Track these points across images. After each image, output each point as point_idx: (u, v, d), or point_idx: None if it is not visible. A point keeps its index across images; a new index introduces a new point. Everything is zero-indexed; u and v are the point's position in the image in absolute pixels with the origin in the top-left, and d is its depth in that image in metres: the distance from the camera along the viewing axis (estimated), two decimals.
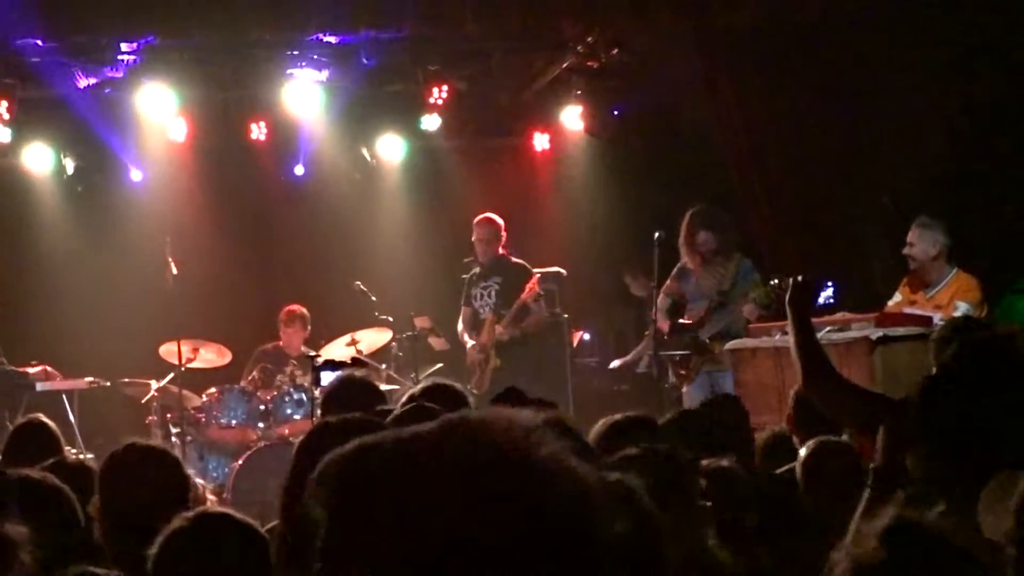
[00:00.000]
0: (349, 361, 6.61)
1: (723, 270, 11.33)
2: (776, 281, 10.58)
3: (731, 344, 10.77)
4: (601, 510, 1.74)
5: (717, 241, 11.33)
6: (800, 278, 6.20)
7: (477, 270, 12.84)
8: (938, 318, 9.44)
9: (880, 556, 2.52)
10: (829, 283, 9.26)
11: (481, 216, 12.91)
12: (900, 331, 9.12)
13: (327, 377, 6.53)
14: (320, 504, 1.76)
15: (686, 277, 11.44)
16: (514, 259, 12.83)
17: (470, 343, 12.78)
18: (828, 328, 9.77)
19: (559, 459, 1.74)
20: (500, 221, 12.84)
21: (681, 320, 11.27)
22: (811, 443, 5.70)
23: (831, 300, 10.06)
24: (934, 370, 5.86)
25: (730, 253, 11.39)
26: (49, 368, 12.42)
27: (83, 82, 13.67)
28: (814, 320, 9.66)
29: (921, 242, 10.04)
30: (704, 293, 11.35)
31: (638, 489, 2.82)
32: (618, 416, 5.09)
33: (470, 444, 1.73)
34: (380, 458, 1.76)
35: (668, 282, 11.62)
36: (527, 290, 12.42)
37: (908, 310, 9.84)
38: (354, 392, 5.92)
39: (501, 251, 12.81)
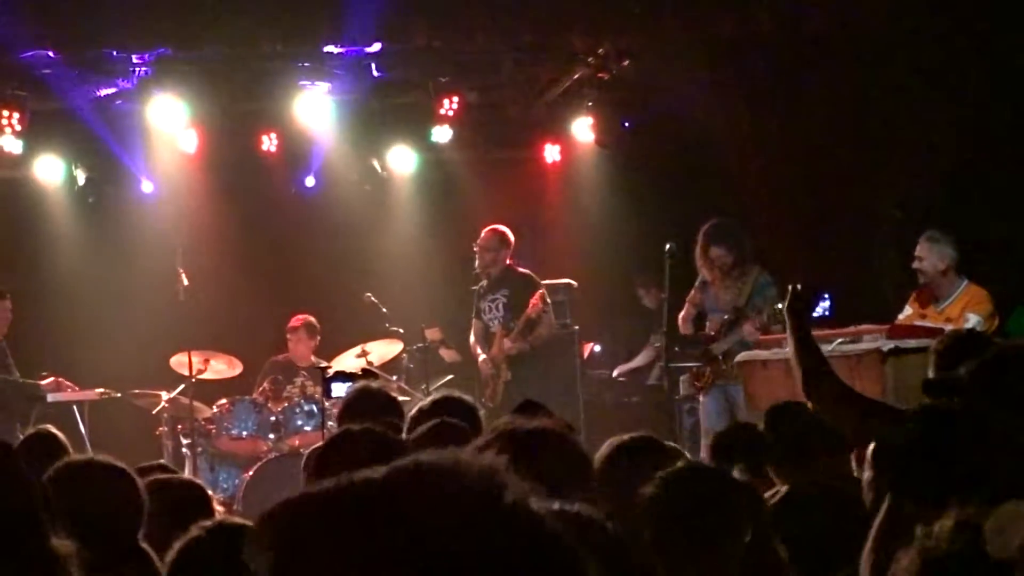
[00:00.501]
0: (359, 372, 6.58)
1: (740, 284, 11.31)
2: (781, 306, 10.59)
3: (741, 356, 10.75)
4: (569, 555, 1.65)
5: (732, 255, 11.29)
6: (799, 286, 6.21)
7: (485, 283, 12.82)
8: (949, 329, 9.42)
9: (951, 551, 2.52)
10: (826, 295, 9.25)
11: (488, 228, 12.89)
12: (912, 343, 9.10)
13: (338, 388, 6.51)
14: (260, 554, 1.67)
15: (707, 289, 11.44)
16: (520, 270, 12.79)
17: (481, 356, 12.76)
18: (840, 340, 9.76)
19: (524, 506, 1.63)
20: (508, 233, 12.82)
21: (699, 332, 11.27)
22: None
23: (827, 312, 10.03)
24: (930, 376, 5.88)
25: (748, 266, 11.34)
26: (61, 379, 12.42)
27: (94, 94, 13.69)
28: (827, 333, 9.71)
29: (930, 256, 10.02)
30: (721, 307, 11.34)
31: (599, 519, 2.80)
32: (625, 437, 5.07)
33: (424, 494, 1.62)
34: (325, 508, 1.66)
35: (692, 292, 11.62)
36: (531, 306, 12.38)
37: (919, 324, 9.81)
38: (371, 402, 5.90)
39: (508, 262, 12.78)
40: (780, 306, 10.42)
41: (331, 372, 6.60)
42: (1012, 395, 4.34)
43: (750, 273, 11.33)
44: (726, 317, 11.22)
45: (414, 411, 5.73)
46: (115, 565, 3.92)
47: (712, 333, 11.28)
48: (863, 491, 4.31)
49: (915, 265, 10.09)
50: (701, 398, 11.23)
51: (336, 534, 1.62)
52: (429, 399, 5.84)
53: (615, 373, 14.68)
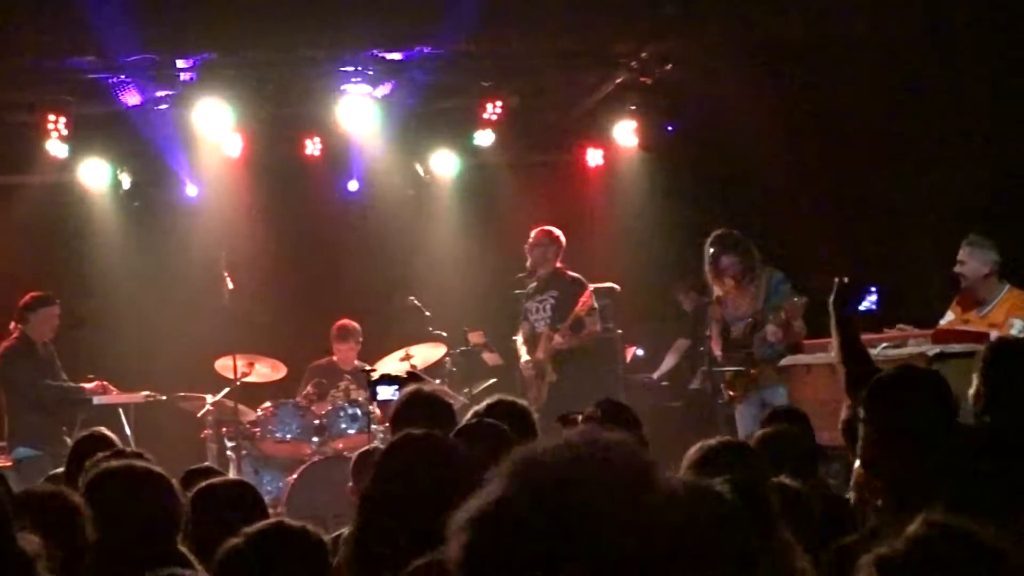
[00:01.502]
0: (405, 375, 6.60)
1: (755, 289, 11.30)
2: (798, 299, 10.57)
3: (786, 360, 10.75)
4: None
5: (743, 262, 11.28)
6: (845, 280, 6.17)
7: (534, 284, 12.83)
8: (994, 335, 9.38)
9: (904, 552, 2.53)
10: (873, 289, 9.19)
11: (540, 228, 12.89)
12: (957, 348, 9.07)
13: (383, 392, 6.52)
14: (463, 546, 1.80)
15: (723, 303, 11.43)
16: (570, 273, 12.80)
17: (524, 359, 12.77)
18: (885, 344, 9.74)
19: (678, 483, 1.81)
20: (558, 234, 12.83)
21: (735, 337, 11.25)
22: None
23: (874, 307, 9.98)
24: (976, 387, 5.85)
25: (758, 270, 11.34)
26: (106, 383, 12.49)
27: (139, 99, 13.78)
28: (871, 337, 9.68)
29: (972, 260, 9.97)
30: (740, 314, 11.32)
31: (724, 491, 2.82)
32: (712, 441, 5.07)
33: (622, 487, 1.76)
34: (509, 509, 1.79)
35: (711, 310, 11.62)
36: (581, 303, 12.39)
37: (962, 329, 9.77)
38: (423, 406, 5.91)
39: (557, 265, 12.79)
40: (797, 299, 10.46)
41: (376, 375, 6.60)
42: None
43: (762, 275, 11.32)
44: (748, 321, 11.21)
45: (470, 414, 5.74)
46: (152, 568, 3.95)
47: (738, 337, 11.27)
48: None
49: (957, 269, 10.04)
50: (737, 406, 11.20)
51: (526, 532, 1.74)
52: (484, 403, 5.84)
53: (655, 376, 14.67)
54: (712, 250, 11.35)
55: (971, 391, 5.99)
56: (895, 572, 2.57)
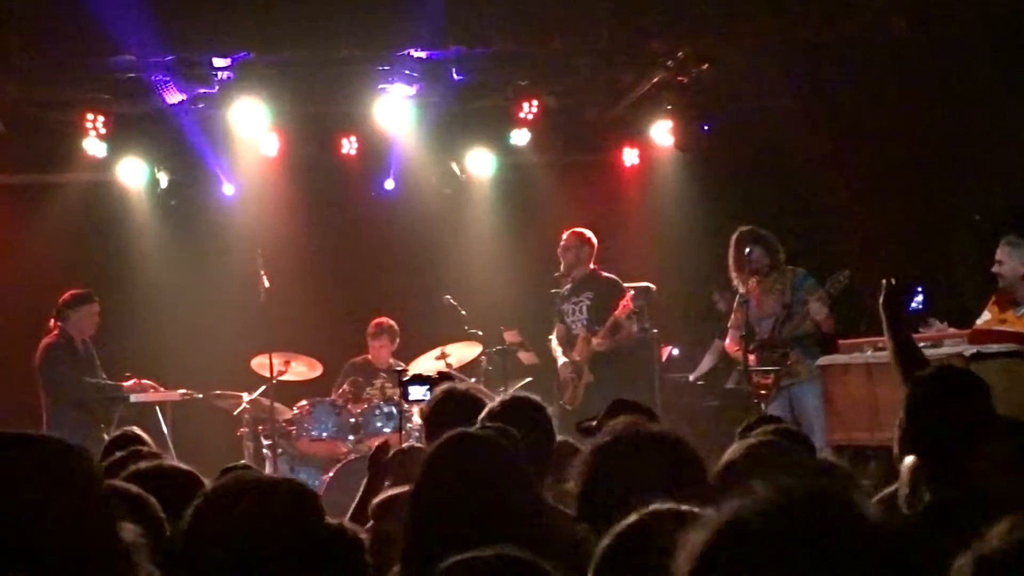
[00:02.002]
0: (436, 375, 6.59)
1: (780, 285, 11.31)
2: (847, 272, 10.56)
3: (822, 360, 10.73)
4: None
5: (769, 256, 11.31)
6: (893, 280, 6.09)
7: (569, 285, 12.81)
8: None
9: (1005, 547, 2.50)
10: (919, 288, 9.16)
11: (571, 230, 12.88)
12: (994, 348, 9.04)
13: (415, 392, 6.52)
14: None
15: (746, 305, 11.41)
16: (605, 274, 12.78)
17: (562, 360, 12.76)
18: (921, 344, 9.69)
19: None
20: (590, 235, 12.81)
21: (765, 338, 11.21)
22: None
23: (921, 307, 9.96)
24: None
25: (782, 268, 11.36)
26: (143, 380, 12.53)
27: (177, 97, 13.83)
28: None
29: (1010, 261, 9.94)
30: (767, 312, 11.31)
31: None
32: (753, 440, 5.03)
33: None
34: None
35: (734, 316, 11.61)
36: (621, 307, 12.36)
37: (999, 329, 9.73)
38: (458, 404, 5.89)
39: (592, 266, 12.77)
40: (846, 272, 10.47)
41: (408, 375, 6.58)
42: None
43: (786, 274, 11.33)
44: (776, 319, 11.19)
45: (484, 413, 5.71)
46: None
47: (766, 337, 11.24)
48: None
49: (995, 269, 10.01)
50: (763, 406, 11.17)
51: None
52: (498, 400, 5.79)
53: (691, 378, 14.66)
54: (740, 245, 11.36)
55: None
56: (997, 571, 2.55)
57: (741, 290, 11.47)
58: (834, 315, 10.95)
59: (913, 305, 6.28)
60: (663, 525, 2.50)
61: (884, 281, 6.11)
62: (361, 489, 6.56)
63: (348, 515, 6.40)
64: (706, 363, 14.61)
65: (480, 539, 3.18)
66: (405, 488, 4.66)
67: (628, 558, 2.79)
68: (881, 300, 6.02)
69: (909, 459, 4.59)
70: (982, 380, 5.20)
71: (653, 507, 2.69)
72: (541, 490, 4.15)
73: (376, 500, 6.10)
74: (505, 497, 3.94)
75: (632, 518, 2.75)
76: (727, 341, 11.87)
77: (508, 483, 4.01)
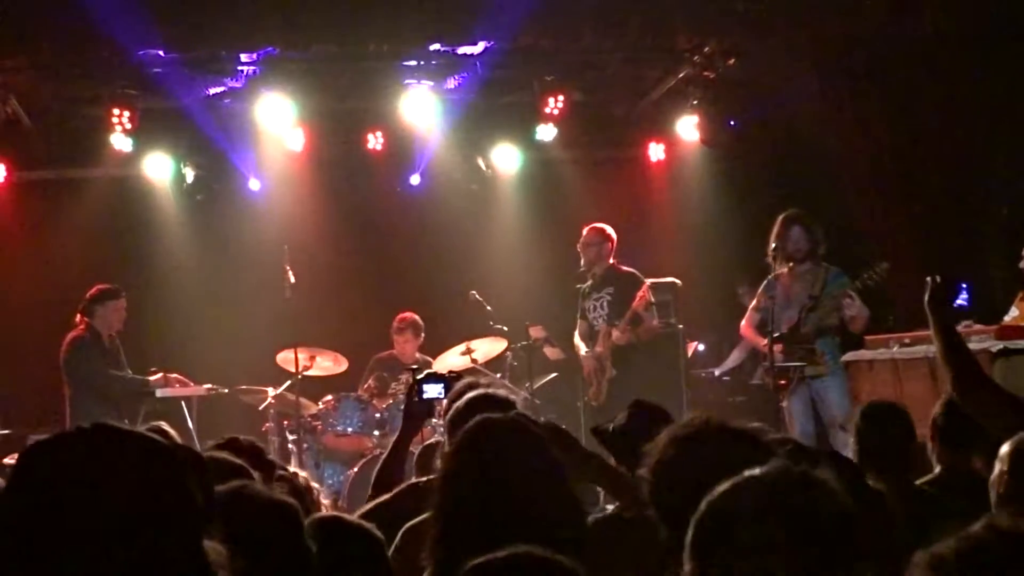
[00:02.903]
0: (449, 375, 6.53)
1: (812, 277, 11.22)
2: (885, 265, 10.49)
3: (848, 356, 10.68)
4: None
5: (809, 241, 11.22)
6: (938, 278, 5.97)
7: (590, 282, 12.80)
8: None
9: (955, 552, 2.50)
10: (963, 285, 9.08)
11: (590, 226, 12.86)
12: (1021, 344, 8.99)
13: (431, 390, 6.46)
14: None
15: (774, 288, 11.32)
16: (624, 268, 12.75)
17: (585, 352, 12.75)
18: None
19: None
20: (610, 231, 12.78)
21: (779, 333, 11.12)
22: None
23: (965, 304, 9.89)
24: None
25: (819, 261, 11.27)
26: (169, 375, 12.53)
27: (203, 93, 13.84)
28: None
29: None
30: (793, 300, 11.23)
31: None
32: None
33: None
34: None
35: (757, 298, 11.54)
36: (638, 298, 12.35)
37: None
38: (480, 401, 5.82)
39: (611, 261, 12.75)
40: (884, 265, 10.40)
41: (423, 374, 6.54)
42: None
43: (820, 267, 11.23)
44: (801, 308, 11.12)
45: (451, 412, 5.62)
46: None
47: (786, 330, 11.16)
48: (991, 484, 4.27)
49: (1021, 264, 9.96)
50: (784, 404, 11.11)
51: None
52: (464, 400, 5.67)
53: (717, 373, 14.64)
54: (784, 223, 11.28)
55: None
56: (948, 572, 2.54)
57: (778, 269, 11.37)
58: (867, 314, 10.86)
59: (958, 302, 6.21)
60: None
61: (929, 279, 5.96)
62: (395, 439, 6.51)
63: (379, 466, 6.35)
64: (733, 358, 14.58)
65: (508, 532, 3.16)
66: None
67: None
68: (927, 299, 5.88)
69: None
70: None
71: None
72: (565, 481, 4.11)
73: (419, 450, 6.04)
74: (533, 487, 3.93)
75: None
76: (743, 323, 11.75)
77: (536, 472, 3.98)
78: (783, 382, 11.07)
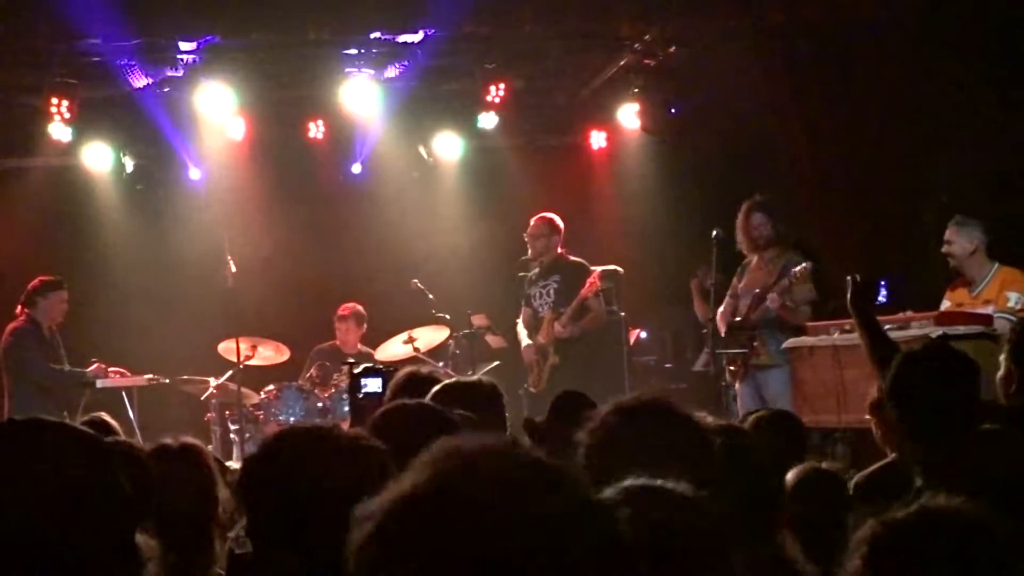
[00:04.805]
0: (384, 367, 6.51)
1: (771, 267, 11.25)
2: (808, 264, 10.51)
3: (789, 342, 10.72)
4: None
5: (772, 228, 11.22)
6: (858, 277, 6.11)
7: (536, 270, 12.81)
8: (991, 310, 9.40)
9: (884, 531, 2.54)
10: (882, 282, 9.18)
11: (538, 215, 12.87)
12: (960, 330, 9.05)
13: (372, 384, 6.45)
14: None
15: (744, 273, 11.37)
16: (572, 258, 12.78)
17: (526, 342, 12.76)
18: (888, 326, 9.71)
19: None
20: (558, 220, 12.80)
21: (737, 319, 11.18)
22: None
23: (884, 299, 9.98)
24: (1005, 369, 5.85)
25: (785, 247, 11.27)
26: (104, 365, 12.45)
27: (143, 81, 13.76)
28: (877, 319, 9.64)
29: (959, 239, 9.98)
30: (750, 288, 11.26)
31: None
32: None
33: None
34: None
35: (732, 285, 11.56)
36: (588, 285, 12.36)
37: (970, 311, 9.74)
38: (420, 389, 5.82)
39: (559, 250, 12.76)
40: (803, 266, 10.42)
41: (360, 368, 6.51)
42: None
43: (784, 255, 11.23)
44: (756, 293, 11.16)
45: (388, 392, 5.63)
46: None
47: (739, 318, 11.20)
48: None
49: (944, 250, 10.04)
50: (737, 386, 11.17)
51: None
52: (402, 374, 5.69)
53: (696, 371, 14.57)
54: (748, 207, 11.28)
55: (1000, 374, 5.98)
56: (884, 548, 2.58)
57: (746, 252, 11.38)
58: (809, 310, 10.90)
59: (879, 299, 6.30)
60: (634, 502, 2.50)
61: (849, 278, 6.13)
62: None
63: None
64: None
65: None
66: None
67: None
68: (849, 297, 6.03)
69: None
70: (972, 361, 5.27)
71: (627, 483, 2.68)
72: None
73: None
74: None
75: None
76: (720, 309, 11.67)
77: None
78: (732, 367, 11.12)
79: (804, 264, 10.68)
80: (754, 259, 11.30)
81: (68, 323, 12.67)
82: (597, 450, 3.40)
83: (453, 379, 5.63)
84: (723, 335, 11.25)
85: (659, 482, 2.65)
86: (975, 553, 2.55)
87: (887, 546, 2.58)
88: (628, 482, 2.59)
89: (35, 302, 12.28)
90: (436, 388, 5.36)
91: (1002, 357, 6.03)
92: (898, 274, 11.80)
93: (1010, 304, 9.49)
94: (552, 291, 12.65)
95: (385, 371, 6.35)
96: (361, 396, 6.37)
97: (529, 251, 12.77)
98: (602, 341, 12.86)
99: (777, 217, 11.27)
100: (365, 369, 6.47)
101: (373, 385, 6.41)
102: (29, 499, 2.36)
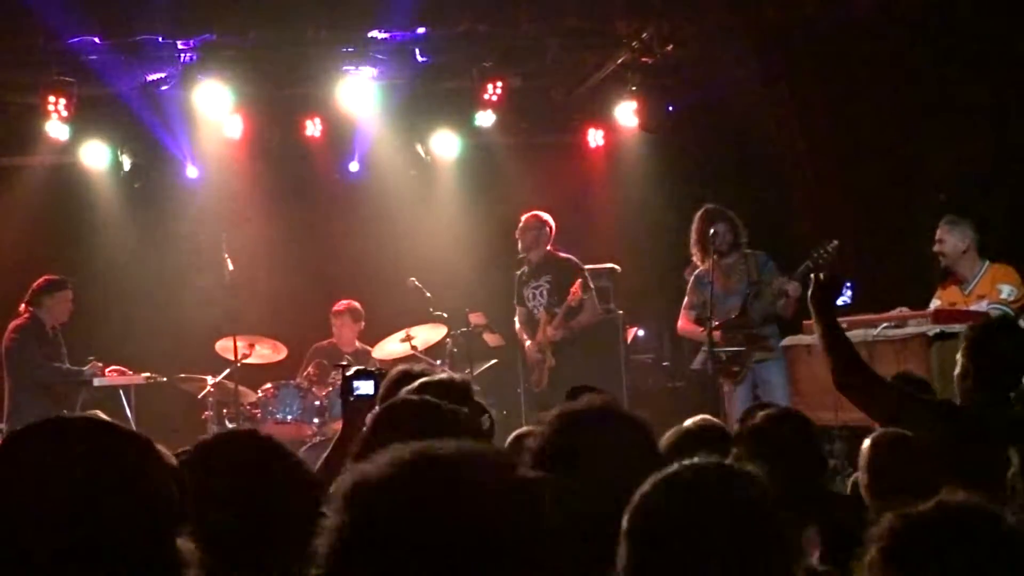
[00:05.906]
0: (379, 370, 6.50)
1: (744, 265, 11.26)
2: (835, 243, 10.52)
3: (787, 340, 10.74)
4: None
5: (733, 234, 11.26)
6: (822, 276, 6.21)
7: (526, 269, 12.82)
8: (985, 303, 9.45)
9: (903, 524, 2.55)
10: (848, 284, 9.21)
11: (528, 215, 12.89)
12: (957, 328, 9.05)
13: (365, 387, 6.43)
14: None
15: (703, 285, 11.29)
16: (562, 255, 12.79)
17: (528, 342, 12.78)
18: (885, 324, 9.77)
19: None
20: (548, 218, 12.82)
21: (733, 317, 11.18)
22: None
23: (848, 302, 10.01)
24: (962, 366, 5.97)
25: (744, 249, 11.32)
26: (100, 363, 12.45)
27: (140, 80, 13.75)
28: (872, 317, 9.69)
29: (950, 238, 10.03)
30: (733, 290, 11.26)
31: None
32: (690, 423, 5.05)
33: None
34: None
35: (686, 299, 11.56)
36: (571, 294, 12.36)
37: (965, 308, 9.76)
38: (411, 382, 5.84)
39: (549, 248, 12.77)
40: (809, 262, 10.48)
41: (352, 370, 6.50)
42: None
43: (747, 255, 11.27)
44: (745, 297, 11.15)
45: (381, 390, 5.74)
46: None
47: (733, 316, 11.19)
48: None
49: (936, 249, 10.09)
50: (727, 389, 11.16)
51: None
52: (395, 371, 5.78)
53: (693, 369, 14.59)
54: (705, 222, 11.30)
55: (956, 371, 6.09)
56: (902, 542, 2.59)
57: (700, 268, 11.40)
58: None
59: (841, 300, 6.38)
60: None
61: (813, 276, 6.23)
62: (335, 439, 6.49)
63: (320, 465, 6.32)
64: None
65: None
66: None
67: None
68: (810, 293, 6.13)
69: None
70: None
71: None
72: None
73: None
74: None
75: None
76: (679, 322, 11.75)
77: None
78: (736, 369, 11.11)
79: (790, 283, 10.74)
80: (710, 267, 11.17)
81: (67, 321, 12.66)
82: (540, 457, 3.45)
83: (426, 378, 5.65)
84: (700, 337, 11.25)
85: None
86: (993, 547, 2.56)
87: (905, 539, 2.59)
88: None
89: (41, 301, 12.30)
90: (411, 386, 5.39)
91: (958, 356, 6.13)
92: (893, 272, 11.82)
93: (1003, 296, 9.58)
94: (544, 292, 12.68)
95: (377, 373, 6.32)
96: (353, 398, 6.34)
97: (519, 245, 12.79)
98: (599, 340, 12.88)
99: (737, 225, 11.31)
100: (357, 371, 6.44)
101: (365, 387, 6.37)
102: (70, 499, 2.36)
